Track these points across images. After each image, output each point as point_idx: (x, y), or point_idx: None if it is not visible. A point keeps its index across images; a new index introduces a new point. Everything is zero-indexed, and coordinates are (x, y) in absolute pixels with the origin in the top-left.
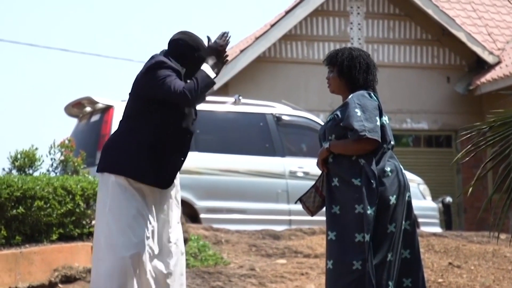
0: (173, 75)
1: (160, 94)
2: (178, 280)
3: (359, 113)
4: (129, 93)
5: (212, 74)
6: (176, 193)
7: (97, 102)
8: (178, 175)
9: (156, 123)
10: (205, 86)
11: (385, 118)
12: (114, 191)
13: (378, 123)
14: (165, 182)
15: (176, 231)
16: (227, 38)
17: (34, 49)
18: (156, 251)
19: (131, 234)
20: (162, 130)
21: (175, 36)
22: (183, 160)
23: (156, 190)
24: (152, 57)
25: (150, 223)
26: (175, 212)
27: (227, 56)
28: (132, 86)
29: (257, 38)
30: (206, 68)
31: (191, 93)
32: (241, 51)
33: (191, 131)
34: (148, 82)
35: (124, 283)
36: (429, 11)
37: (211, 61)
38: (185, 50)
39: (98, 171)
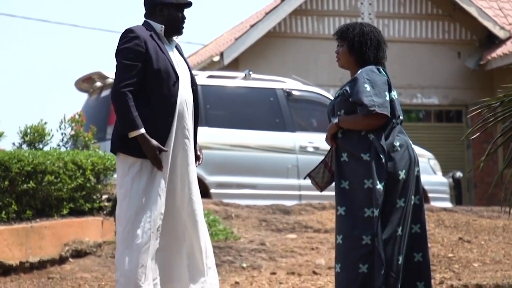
0: (128, 65)
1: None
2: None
3: (368, 88)
4: None
5: (131, 131)
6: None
7: (107, 77)
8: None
9: (144, 96)
10: (119, 115)
11: (394, 93)
12: (120, 170)
13: (387, 98)
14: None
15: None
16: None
17: (45, 25)
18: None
19: (144, 210)
20: (150, 104)
21: None
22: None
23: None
24: None
25: (163, 194)
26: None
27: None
28: None
29: (267, 13)
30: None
31: (118, 97)
32: (251, 26)
33: (175, 98)
34: (116, 52)
35: (139, 256)
36: None
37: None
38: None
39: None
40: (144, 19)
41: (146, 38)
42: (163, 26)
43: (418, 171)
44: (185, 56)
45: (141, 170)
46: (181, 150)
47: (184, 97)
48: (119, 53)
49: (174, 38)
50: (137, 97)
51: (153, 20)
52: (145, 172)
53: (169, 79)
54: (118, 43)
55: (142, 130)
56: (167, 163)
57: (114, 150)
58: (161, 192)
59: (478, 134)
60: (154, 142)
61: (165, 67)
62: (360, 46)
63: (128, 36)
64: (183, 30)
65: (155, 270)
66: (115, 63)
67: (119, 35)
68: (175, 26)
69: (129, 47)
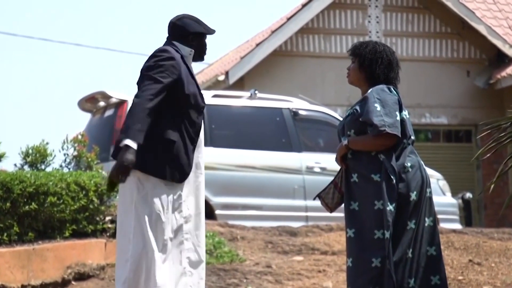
0: (160, 81)
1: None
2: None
3: (378, 108)
4: None
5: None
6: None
7: (110, 97)
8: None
9: (166, 117)
10: (129, 121)
11: (405, 113)
12: (135, 188)
13: (398, 118)
14: (182, 176)
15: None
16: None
17: (47, 44)
18: (184, 240)
19: (152, 234)
20: (172, 125)
21: (173, 19)
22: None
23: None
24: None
25: (176, 217)
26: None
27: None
28: None
29: (273, 32)
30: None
31: (138, 102)
32: (257, 44)
33: (198, 123)
34: (144, 68)
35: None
36: (449, 4)
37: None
38: (191, 27)
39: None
40: (169, 41)
41: (179, 61)
42: (193, 50)
43: (430, 192)
44: None
45: (146, 185)
46: (194, 176)
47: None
48: (151, 68)
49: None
50: (167, 119)
51: (182, 44)
52: (166, 193)
53: (197, 105)
54: (150, 60)
55: (135, 146)
56: (187, 188)
57: (141, 168)
58: (177, 216)
59: (488, 155)
60: (131, 158)
61: (194, 93)
62: (370, 64)
63: (164, 55)
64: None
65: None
66: (142, 76)
67: (122, 54)
68: (201, 54)
69: (164, 65)
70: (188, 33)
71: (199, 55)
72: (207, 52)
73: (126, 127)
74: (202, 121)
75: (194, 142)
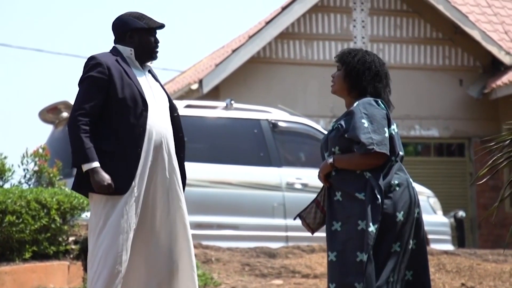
0: (89, 93)
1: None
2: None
3: (366, 124)
4: None
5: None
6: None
7: None
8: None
9: (109, 126)
10: (72, 147)
11: (394, 127)
12: (93, 208)
13: (387, 134)
14: (121, 189)
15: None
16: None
17: (6, 50)
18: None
19: (115, 251)
20: (116, 134)
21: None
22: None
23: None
24: None
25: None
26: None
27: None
28: None
29: (250, 37)
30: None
31: (72, 126)
32: (233, 51)
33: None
34: (79, 81)
35: None
36: (440, 7)
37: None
38: (128, 24)
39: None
40: (113, 44)
41: (110, 65)
42: (133, 49)
43: (419, 213)
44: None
45: (105, 208)
46: (161, 186)
47: (159, 126)
48: (81, 82)
49: (148, 63)
50: (102, 128)
51: (123, 45)
52: (110, 210)
53: (136, 108)
54: (82, 72)
55: (95, 164)
56: (138, 200)
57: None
58: (126, 235)
59: (487, 177)
60: (106, 177)
61: (131, 95)
62: (357, 75)
63: (90, 64)
64: (157, 55)
65: None
66: (78, 90)
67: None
68: (148, 51)
69: (91, 75)
70: (124, 31)
71: (146, 53)
72: (156, 49)
73: (76, 152)
74: (150, 122)
75: (136, 147)
